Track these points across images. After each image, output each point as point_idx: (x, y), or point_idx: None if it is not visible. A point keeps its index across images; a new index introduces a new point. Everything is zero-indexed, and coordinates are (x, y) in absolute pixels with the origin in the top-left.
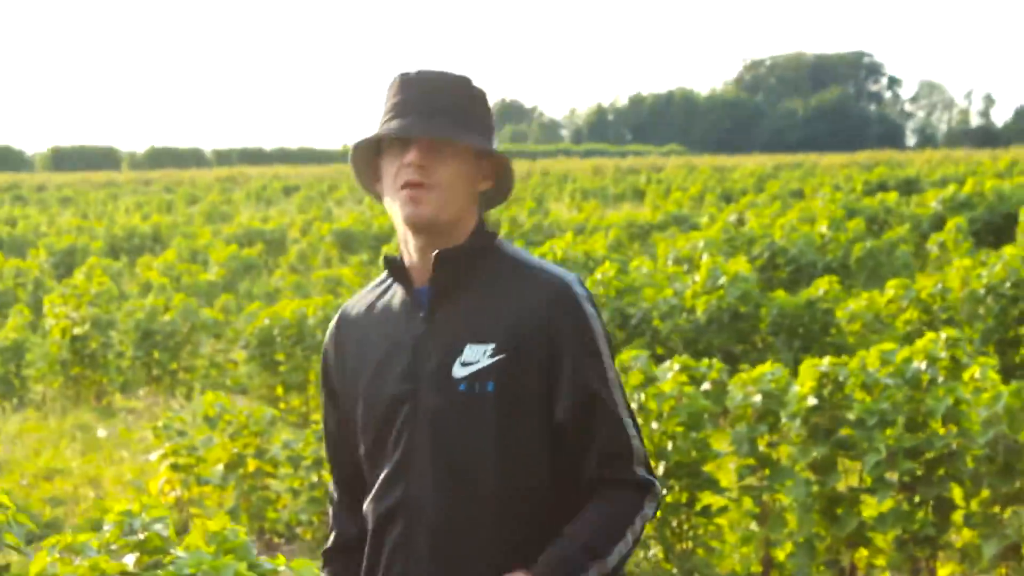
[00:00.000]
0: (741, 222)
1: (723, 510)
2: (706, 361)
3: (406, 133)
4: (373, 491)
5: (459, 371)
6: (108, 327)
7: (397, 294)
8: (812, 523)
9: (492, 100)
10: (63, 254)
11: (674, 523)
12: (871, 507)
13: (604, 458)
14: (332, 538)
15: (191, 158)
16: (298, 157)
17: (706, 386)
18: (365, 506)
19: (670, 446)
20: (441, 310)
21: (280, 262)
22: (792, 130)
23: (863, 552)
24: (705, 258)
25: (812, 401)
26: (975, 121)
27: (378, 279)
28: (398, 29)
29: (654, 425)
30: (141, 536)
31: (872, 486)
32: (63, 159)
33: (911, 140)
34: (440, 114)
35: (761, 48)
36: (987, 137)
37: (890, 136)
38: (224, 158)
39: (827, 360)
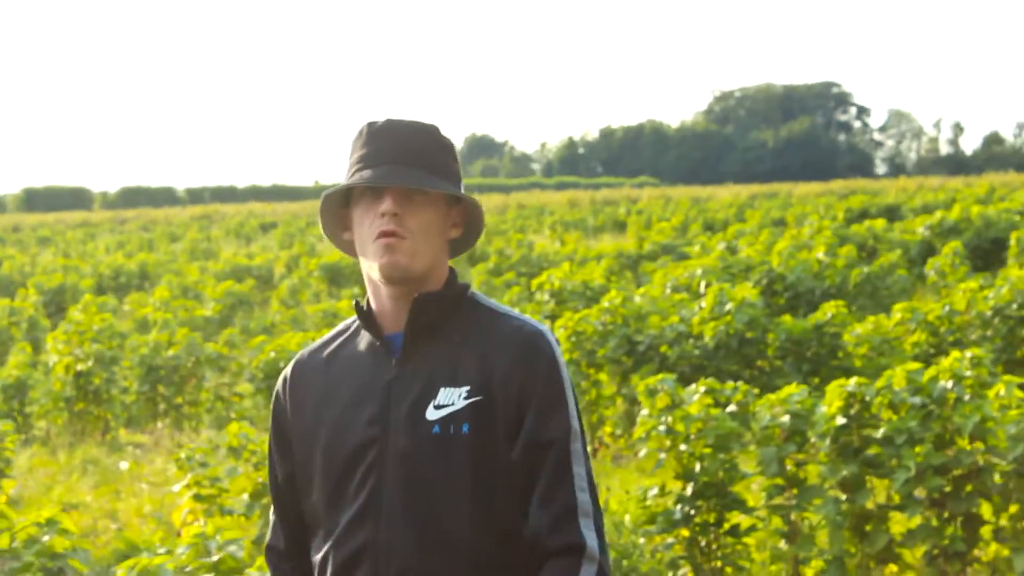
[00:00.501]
0: (732, 250)
1: (751, 529)
2: (731, 384)
3: (381, 182)
4: (333, 537)
5: (433, 413)
6: (111, 363)
7: (363, 341)
8: (842, 540)
9: (463, 135)
10: (53, 293)
11: (703, 543)
12: (900, 523)
13: (546, 511)
14: None
15: (163, 196)
16: (270, 194)
17: (731, 408)
18: (321, 553)
19: (698, 467)
20: (415, 354)
21: (269, 297)
22: (762, 160)
23: (893, 568)
24: (703, 286)
25: (840, 420)
26: (944, 149)
27: (336, 330)
28: (368, 65)
29: (682, 447)
30: (216, 557)
31: (901, 503)
32: (35, 199)
33: (881, 168)
34: (412, 163)
35: (731, 79)
36: (957, 165)
37: (860, 165)
38: (196, 196)
39: (854, 380)
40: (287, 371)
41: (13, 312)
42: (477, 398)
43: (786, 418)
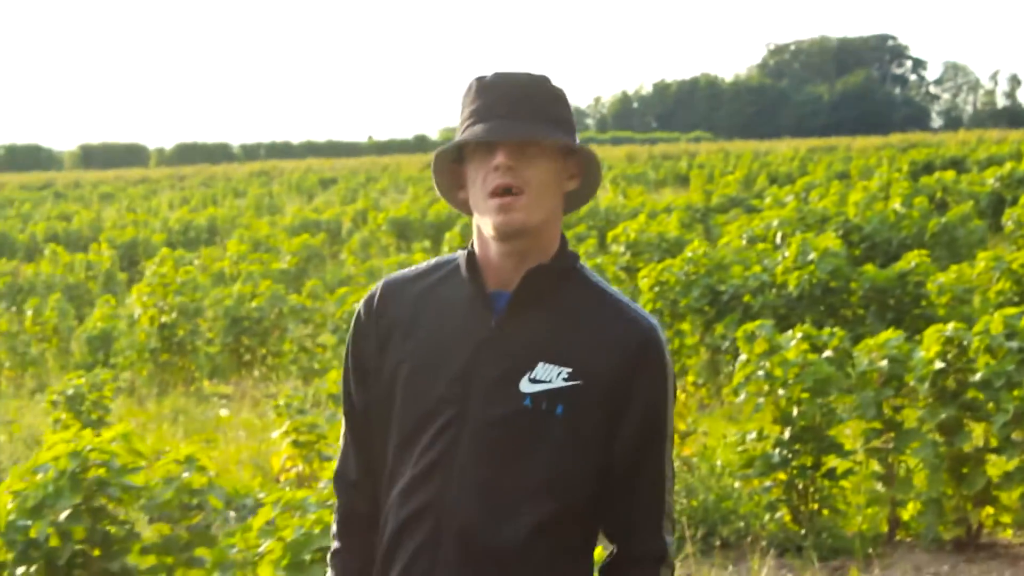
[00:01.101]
0: (803, 203)
1: (848, 472)
2: (827, 330)
3: (492, 137)
4: (399, 487)
5: (527, 386)
6: (195, 315)
7: (462, 289)
8: (940, 483)
9: None
10: (125, 247)
11: (800, 486)
12: (997, 466)
13: (634, 512)
14: (342, 514)
15: (219, 153)
16: (325, 150)
17: (828, 354)
18: (388, 495)
19: (795, 412)
20: (515, 321)
21: (337, 251)
22: (817, 115)
23: (989, 510)
24: (779, 236)
25: (939, 365)
26: (1001, 102)
27: (424, 266)
28: (420, 19)
29: (780, 392)
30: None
31: (999, 446)
32: (92, 156)
33: (937, 122)
34: (523, 115)
35: (785, 33)
36: (1014, 118)
37: (916, 119)
38: (251, 152)
39: (952, 326)
40: (375, 291)
41: (90, 266)
42: (577, 382)
43: (884, 363)
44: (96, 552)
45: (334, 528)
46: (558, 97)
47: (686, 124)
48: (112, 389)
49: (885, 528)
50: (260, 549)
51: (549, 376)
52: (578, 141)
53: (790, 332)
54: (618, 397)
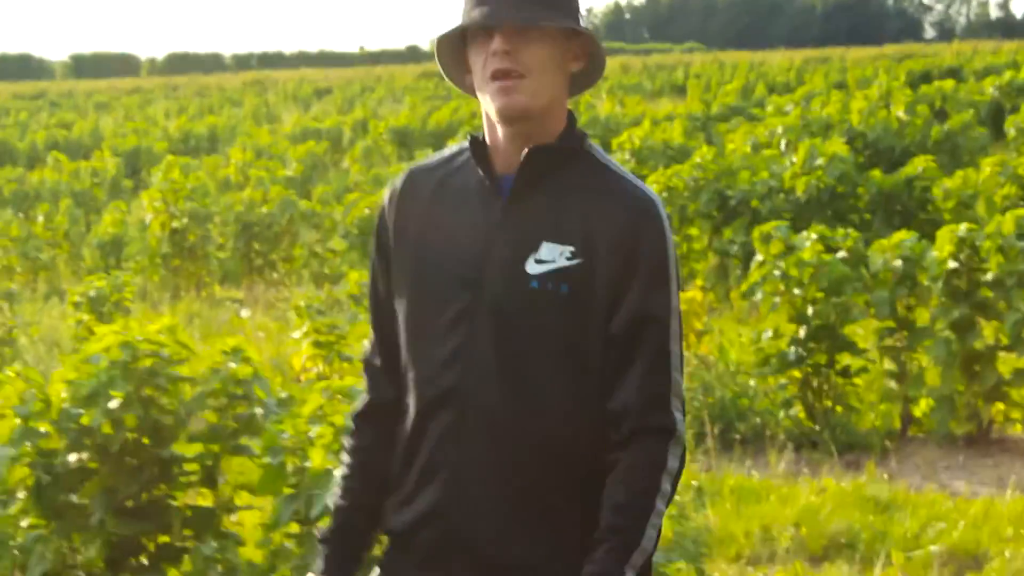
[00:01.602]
0: (805, 111)
1: (862, 370)
2: (841, 231)
3: (490, 21)
4: (420, 371)
5: (533, 267)
6: (206, 220)
7: (474, 175)
8: (953, 380)
9: None
10: (128, 155)
11: (815, 383)
12: (1008, 363)
13: (641, 389)
14: (367, 400)
15: (211, 63)
16: (317, 60)
17: (842, 254)
18: (409, 383)
19: (810, 311)
20: (522, 202)
21: (338, 159)
22: (810, 25)
23: (1000, 406)
24: (783, 144)
25: (952, 264)
26: (994, 13)
27: (447, 153)
28: None
29: (796, 291)
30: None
31: (1010, 343)
32: (83, 66)
33: (930, 33)
34: None
35: None
36: (1007, 29)
37: (909, 29)
38: (243, 62)
39: (964, 226)
40: (396, 183)
41: (96, 173)
42: (580, 260)
43: (898, 263)
44: (145, 440)
45: (355, 415)
46: None
47: (679, 35)
48: (132, 291)
49: (898, 424)
50: (310, 434)
51: (552, 256)
52: (583, 23)
53: (805, 233)
54: (619, 271)
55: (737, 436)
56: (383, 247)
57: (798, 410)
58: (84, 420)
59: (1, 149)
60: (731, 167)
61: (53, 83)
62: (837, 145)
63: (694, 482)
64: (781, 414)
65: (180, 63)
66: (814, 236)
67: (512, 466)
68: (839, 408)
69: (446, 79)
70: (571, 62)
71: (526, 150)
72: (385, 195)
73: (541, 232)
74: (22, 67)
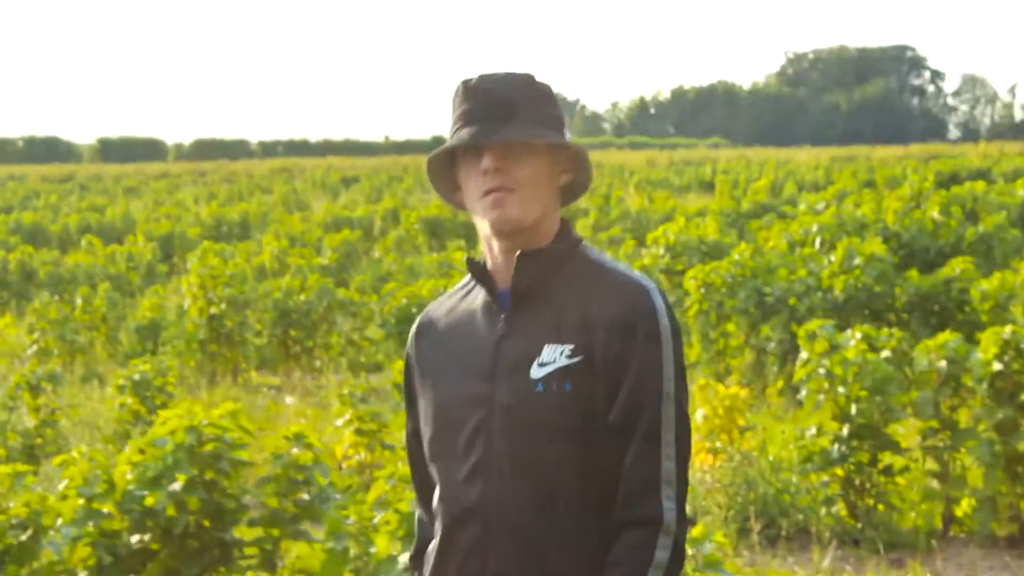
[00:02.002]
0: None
1: (905, 469)
2: (886, 330)
3: (479, 140)
4: (444, 490)
5: (536, 371)
6: (244, 306)
7: (479, 297)
8: (996, 481)
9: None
10: (162, 240)
11: (857, 482)
12: None
13: (632, 475)
14: (415, 544)
15: (237, 149)
16: (343, 148)
17: (886, 353)
18: (435, 502)
19: (854, 409)
20: (521, 311)
21: (369, 248)
22: (835, 124)
23: None
24: (818, 242)
25: (997, 366)
26: (1019, 115)
27: (460, 283)
28: (437, 19)
29: (840, 389)
30: None
31: None
32: (110, 150)
33: (954, 134)
34: (509, 116)
35: (804, 41)
36: None
37: (934, 130)
38: (269, 149)
39: (1009, 328)
40: (415, 325)
41: (131, 258)
42: (579, 357)
43: (943, 363)
44: (207, 522)
45: (410, 557)
46: (543, 94)
47: (703, 130)
48: (176, 376)
49: (939, 524)
50: (375, 520)
51: (554, 357)
52: (568, 136)
53: (849, 332)
54: (618, 363)
55: (781, 532)
56: (410, 389)
57: (840, 507)
58: (148, 502)
59: (34, 231)
60: (769, 264)
61: (81, 166)
62: (875, 245)
63: None
64: (823, 511)
65: (207, 148)
66: (858, 335)
67: (537, 570)
68: (881, 506)
69: (437, 195)
70: (560, 174)
71: (517, 256)
72: (409, 341)
73: (542, 336)
74: (50, 150)
